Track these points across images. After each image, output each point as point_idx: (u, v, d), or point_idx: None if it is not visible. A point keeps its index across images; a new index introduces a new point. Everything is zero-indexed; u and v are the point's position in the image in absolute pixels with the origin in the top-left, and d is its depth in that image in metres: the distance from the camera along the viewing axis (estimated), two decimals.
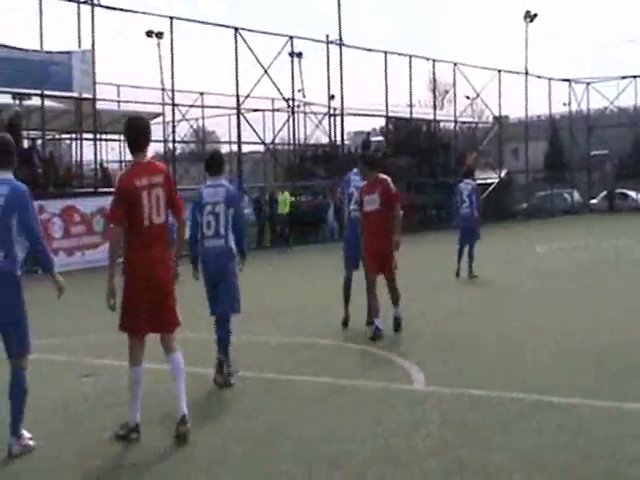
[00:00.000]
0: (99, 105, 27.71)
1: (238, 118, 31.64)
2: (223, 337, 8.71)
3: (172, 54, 29.60)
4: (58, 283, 6.75)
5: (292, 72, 34.00)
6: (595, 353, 9.63)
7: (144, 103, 32.39)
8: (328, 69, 33.78)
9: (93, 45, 26.24)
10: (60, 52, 25.74)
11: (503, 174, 44.39)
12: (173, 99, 30.69)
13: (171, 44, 29.66)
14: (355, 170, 12.17)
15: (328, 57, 33.85)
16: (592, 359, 9.33)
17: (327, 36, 34.09)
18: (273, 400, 8.21)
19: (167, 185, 6.95)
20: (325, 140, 36.77)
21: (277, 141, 36.35)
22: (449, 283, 17.41)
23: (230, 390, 8.56)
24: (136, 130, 7.06)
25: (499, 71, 43.43)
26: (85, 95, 26.52)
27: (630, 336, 10.56)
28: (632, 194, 47.12)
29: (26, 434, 6.68)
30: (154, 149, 39.53)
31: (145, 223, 6.82)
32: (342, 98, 34.06)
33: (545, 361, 9.39)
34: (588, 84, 51.81)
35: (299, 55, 35.35)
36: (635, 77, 50.34)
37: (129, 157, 7.17)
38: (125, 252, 7.00)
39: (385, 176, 11.33)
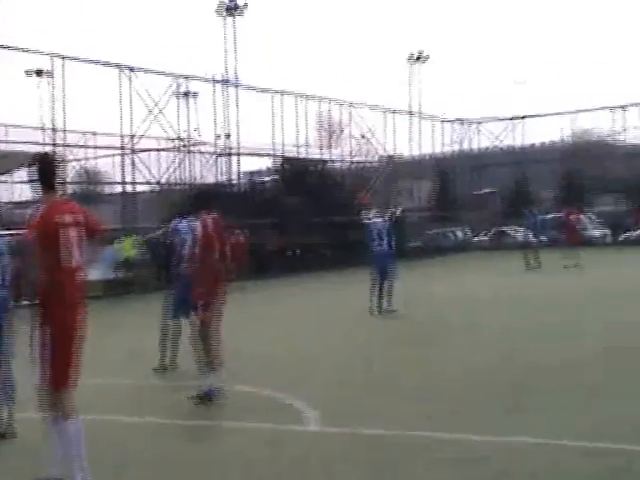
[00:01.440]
0: None
1: (123, 157, 31.31)
2: None
3: (53, 93, 29.14)
4: None
5: (184, 111, 34.01)
6: (488, 389, 9.75)
7: (25, 143, 31.59)
8: (221, 108, 34.03)
9: None
10: None
11: (398, 212, 44.76)
12: (54, 139, 29.97)
13: (62, 82, 29.09)
14: (178, 219, 11.80)
15: (224, 96, 34.22)
16: (490, 394, 9.44)
17: (213, 75, 34.28)
18: (156, 448, 7.97)
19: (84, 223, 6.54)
20: (219, 179, 36.64)
21: (170, 181, 35.98)
22: (356, 320, 17.43)
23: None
24: (54, 166, 6.66)
25: (392, 111, 44.23)
26: None
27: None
28: (515, 230, 48.30)
29: None
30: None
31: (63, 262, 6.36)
32: (237, 137, 34.80)
33: (438, 396, 9.43)
34: (478, 124, 53.28)
35: (194, 94, 35.18)
36: (523, 117, 52.02)
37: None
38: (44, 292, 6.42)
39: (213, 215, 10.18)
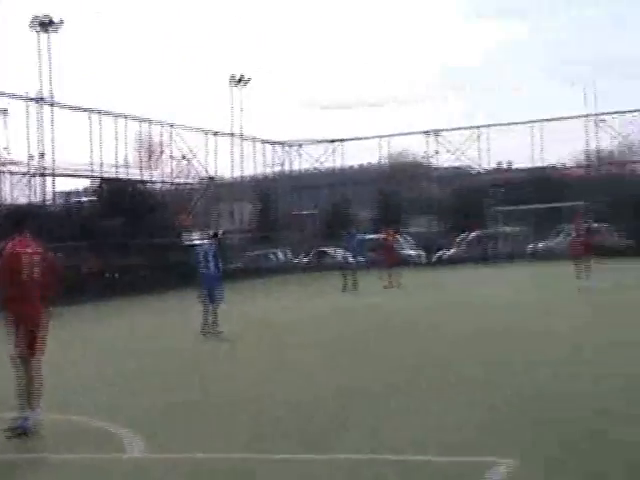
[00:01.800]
0: None
1: None
2: None
3: None
4: None
5: None
6: (299, 409, 9.80)
7: None
8: (34, 127, 32.73)
9: None
10: None
11: (220, 234, 44.63)
12: None
13: None
14: None
15: (39, 114, 33.05)
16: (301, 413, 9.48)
17: (27, 92, 33.16)
18: None
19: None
20: (32, 200, 35.31)
21: None
22: (178, 344, 17.28)
23: None
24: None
25: (214, 133, 44.20)
26: None
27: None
28: (334, 251, 49.12)
29: None
30: None
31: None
32: (52, 157, 33.22)
33: (263, 418, 9.41)
34: (298, 147, 54.03)
35: (4, 112, 33.74)
36: (342, 141, 53.15)
37: None
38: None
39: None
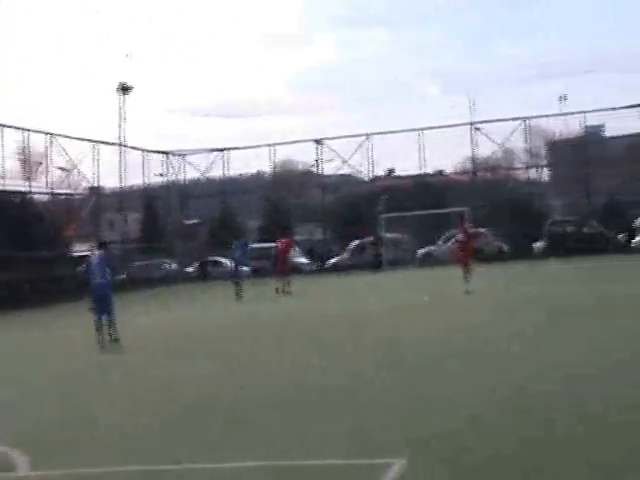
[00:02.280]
0: None
1: None
2: None
3: None
4: None
5: None
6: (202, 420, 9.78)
7: None
8: None
9: None
10: None
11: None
12: None
13: None
14: None
15: None
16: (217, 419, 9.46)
17: None
18: None
19: None
20: None
21: None
22: (71, 354, 17.28)
23: None
24: None
25: (95, 142, 43.49)
26: None
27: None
28: (223, 260, 49.00)
29: None
30: None
31: None
32: None
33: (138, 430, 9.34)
34: (184, 156, 53.63)
35: None
36: (229, 149, 52.97)
37: None
38: None
39: None
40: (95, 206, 45.32)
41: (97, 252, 19.09)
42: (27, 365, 16.48)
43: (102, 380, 13.81)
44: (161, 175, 52.87)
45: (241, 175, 57.29)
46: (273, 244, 33.99)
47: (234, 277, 30.50)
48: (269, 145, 52.23)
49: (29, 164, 44.33)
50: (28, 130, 40.43)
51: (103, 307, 18.19)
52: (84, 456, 8.38)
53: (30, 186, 40.85)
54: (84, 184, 45.88)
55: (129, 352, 17.21)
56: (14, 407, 11.69)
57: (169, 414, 10.14)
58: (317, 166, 52.20)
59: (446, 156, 61.42)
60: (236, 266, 30.84)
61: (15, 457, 8.44)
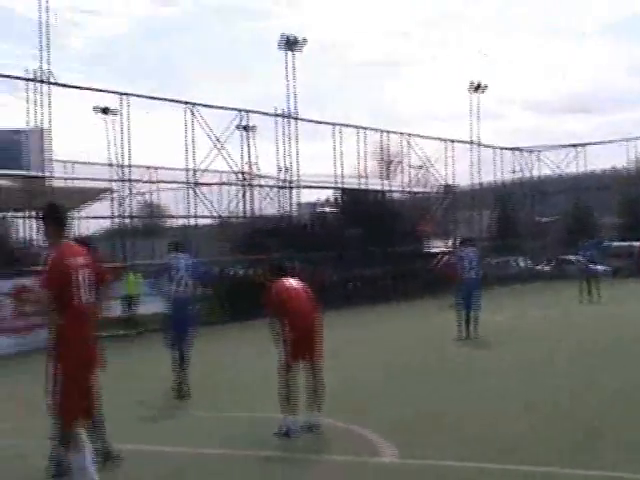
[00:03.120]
0: (50, 182, 27.46)
1: (188, 194, 31.88)
2: None
3: (122, 129, 29.57)
4: None
5: (245, 145, 34.43)
6: (572, 421, 9.65)
7: (93, 180, 32.47)
8: (281, 141, 34.43)
9: (50, 123, 26.14)
10: (10, 130, 25.58)
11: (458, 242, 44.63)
12: (124, 174, 30.48)
13: (127, 119, 29.61)
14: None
15: (286, 129, 34.81)
16: (567, 427, 9.29)
17: (277, 109, 34.73)
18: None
19: (93, 265, 7.09)
20: (277, 212, 36.89)
21: (230, 214, 36.29)
22: (434, 348, 17.73)
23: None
24: (64, 213, 7.20)
25: (450, 141, 44.16)
26: (37, 173, 26.33)
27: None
28: (576, 259, 47.55)
29: None
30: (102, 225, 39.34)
31: (75, 301, 6.76)
32: (297, 170, 34.83)
33: (517, 430, 9.35)
34: (538, 152, 52.84)
35: (252, 128, 35.40)
36: (576, 145, 51.53)
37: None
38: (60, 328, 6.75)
39: None
40: (450, 204, 46.08)
41: (470, 249, 20.05)
42: (398, 354, 17.31)
43: (466, 373, 14.04)
44: (513, 172, 52.53)
45: (595, 171, 55.34)
46: (635, 243, 32.43)
47: (587, 275, 29.60)
48: (626, 140, 50.02)
49: (387, 164, 46.44)
50: (386, 131, 42.06)
51: (468, 302, 18.93)
52: (449, 449, 8.49)
53: (389, 185, 42.76)
54: (438, 182, 46.63)
55: (489, 347, 17.43)
56: (386, 394, 12.26)
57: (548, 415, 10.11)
58: None
59: None
60: (588, 264, 29.83)
61: (380, 442, 8.86)
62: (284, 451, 9.01)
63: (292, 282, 10.07)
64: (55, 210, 7.21)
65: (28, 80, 26.01)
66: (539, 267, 49.41)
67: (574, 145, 51.56)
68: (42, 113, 25.97)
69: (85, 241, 8.95)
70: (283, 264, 11.37)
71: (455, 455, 8.23)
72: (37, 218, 27.87)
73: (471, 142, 46.31)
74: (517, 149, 52.22)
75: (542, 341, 17.80)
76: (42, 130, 26.09)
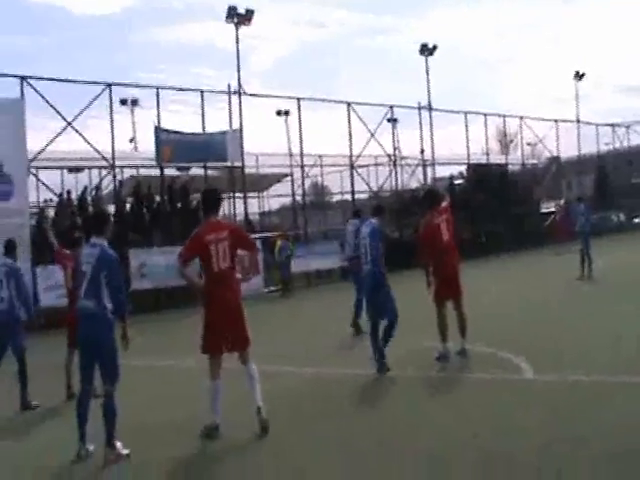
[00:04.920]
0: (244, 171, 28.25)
1: (352, 174, 31.95)
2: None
3: (300, 127, 29.72)
4: (125, 335, 6.59)
5: (392, 133, 34.24)
6: None
7: (274, 166, 33.21)
8: (421, 129, 34.12)
9: (241, 125, 26.85)
10: (217, 132, 26.38)
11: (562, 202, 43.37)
12: (298, 162, 30.93)
13: (299, 118, 29.79)
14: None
15: (421, 119, 34.54)
16: None
17: (420, 103, 34.45)
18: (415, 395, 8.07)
19: (231, 238, 6.92)
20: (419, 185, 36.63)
21: (381, 189, 36.23)
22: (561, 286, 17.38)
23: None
24: (213, 197, 7.29)
25: (556, 121, 42.82)
26: (237, 164, 27.13)
27: None
28: None
29: (118, 444, 6.53)
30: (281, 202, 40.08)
31: (214, 268, 6.79)
32: (433, 151, 34.43)
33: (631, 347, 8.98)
34: (628, 127, 50.43)
35: (395, 120, 35.07)
36: None
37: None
38: (204, 288, 6.94)
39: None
40: (555, 172, 44.73)
41: (581, 204, 20.24)
42: (530, 291, 16.88)
43: (588, 305, 13.61)
44: (607, 145, 50.29)
45: None
46: None
47: None
48: None
49: (505, 142, 45.38)
50: (504, 115, 41.39)
51: (587, 244, 18.73)
52: (581, 367, 8.30)
53: (506, 159, 41.97)
54: (546, 155, 45.36)
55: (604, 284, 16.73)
56: (522, 323, 12.02)
57: None
58: None
59: None
60: None
61: (520, 363, 8.66)
62: (442, 371, 8.98)
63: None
64: (204, 194, 7.43)
65: (229, 93, 26.82)
66: (636, 220, 47.31)
67: None
68: (237, 118, 26.81)
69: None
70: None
71: (583, 372, 7.99)
72: (234, 199, 28.75)
73: (576, 121, 44.59)
74: (612, 125, 49.75)
75: None
76: (238, 130, 26.76)
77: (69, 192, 25.18)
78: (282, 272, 24.96)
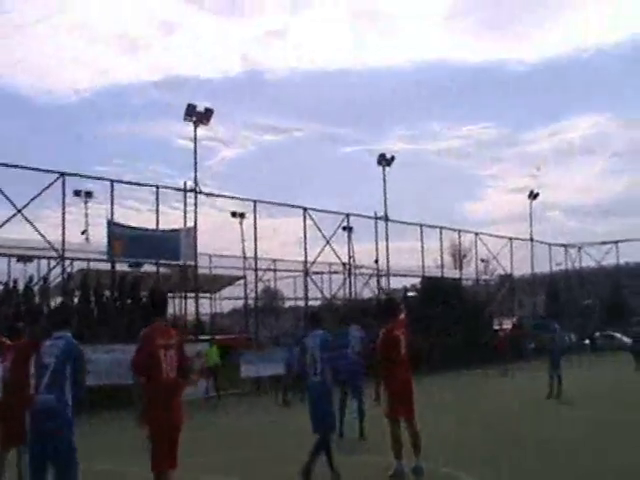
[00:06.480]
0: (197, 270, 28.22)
1: (306, 280, 32.14)
2: None
3: (255, 230, 29.66)
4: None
5: (347, 241, 34.74)
6: None
7: (227, 268, 33.33)
8: (377, 239, 34.83)
9: (196, 224, 27.01)
10: (171, 230, 26.51)
11: (514, 320, 44.18)
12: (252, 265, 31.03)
13: (255, 222, 29.85)
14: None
15: (383, 229, 35.17)
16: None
17: (375, 212, 35.25)
18: None
19: (178, 347, 6.76)
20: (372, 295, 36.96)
21: (335, 297, 36.43)
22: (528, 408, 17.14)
23: None
24: (161, 299, 7.19)
25: (510, 238, 44.10)
26: (188, 263, 27.14)
27: None
28: (617, 335, 46.27)
29: None
30: (233, 304, 39.90)
31: (163, 375, 6.57)
32: (387, 262, 34.81)
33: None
34: (580, 248, 52.02)
35: (351, 228, 35.67)
36: (617, 242, 50.56)
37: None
38: (148, 404, 6.61)
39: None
40: (507, 290, 45.71)
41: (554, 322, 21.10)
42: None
43: (543, 420, 13.59)
44: (560, 264, 51.71)
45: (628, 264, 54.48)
46: None
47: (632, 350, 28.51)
48: None
49: (459, 257, 46.51)
50: (459, 230, 42.41)
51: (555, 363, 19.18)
52: None
53: (460, 274, 42.87)
54: (499, 272, 46.48)
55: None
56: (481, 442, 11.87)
57: None
58: None
59: None
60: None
61: None
62: None
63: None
64: (153, 297, 7.23)
65: (185, 191, 27.12)
66: (584, 341, 48.06)
67: (615, 242, 50.61)
68: (191, 217, 27.02)
69: (176, 324, 8.96)
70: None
71: None
72: (186, 298, 28.61)
73: (529, 240, 46.08)
74: (565, 245, 51.43)
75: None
76: (192, 229, 26.90)
77: (15, 281, 24.82)
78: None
